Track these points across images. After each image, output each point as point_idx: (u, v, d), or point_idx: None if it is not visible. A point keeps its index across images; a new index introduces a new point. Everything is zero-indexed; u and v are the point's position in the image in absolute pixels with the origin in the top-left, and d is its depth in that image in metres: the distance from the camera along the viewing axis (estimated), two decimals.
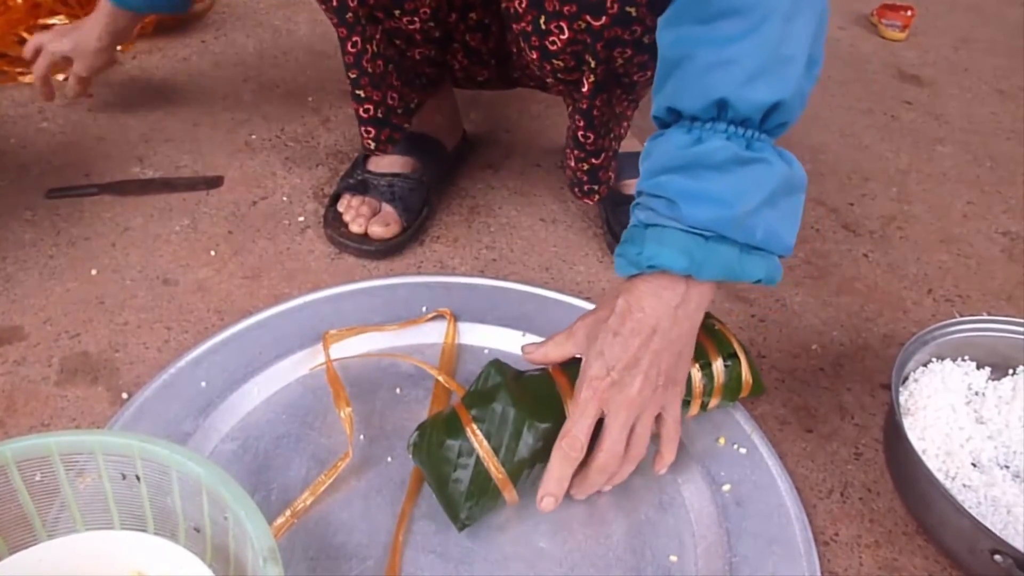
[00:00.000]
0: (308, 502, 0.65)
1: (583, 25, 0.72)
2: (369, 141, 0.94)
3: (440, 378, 0.75)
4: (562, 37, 0.74)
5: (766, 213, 0.59)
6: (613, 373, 0.62)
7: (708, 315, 0.76)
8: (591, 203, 0.96)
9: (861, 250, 1.02)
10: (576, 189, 0.94)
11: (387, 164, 0.97)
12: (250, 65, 1.30)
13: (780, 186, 0.60)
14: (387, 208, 0.94)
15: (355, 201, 0.95)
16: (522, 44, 0.79)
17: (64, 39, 1.04)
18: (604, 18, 0.70)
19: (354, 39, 0.84)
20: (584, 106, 0.80)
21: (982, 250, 1.04)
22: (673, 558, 0.64)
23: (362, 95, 0.89)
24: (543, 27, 0.74)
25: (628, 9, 0.70)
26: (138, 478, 0.56)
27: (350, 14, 0.82)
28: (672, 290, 0.62)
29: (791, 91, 0.58)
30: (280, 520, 0.64)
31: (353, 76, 0.87)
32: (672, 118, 0.61)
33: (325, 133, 1.15)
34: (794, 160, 0.61)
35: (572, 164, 0.90)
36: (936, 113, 1.35)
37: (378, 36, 0.86)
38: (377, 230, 0.92)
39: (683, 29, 0.60)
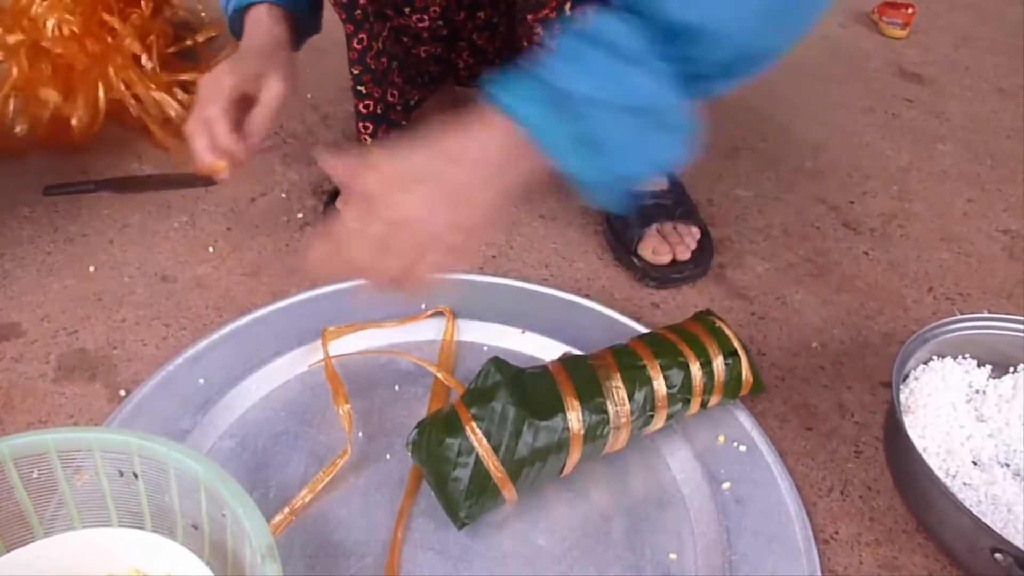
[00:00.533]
0: (307, 499, 0.65)
1: None
2: (366, 136, 0.93)
3: (439, 375, 0.75)
4: None
5: (625, 121, 0.55)
6: (396, 166, 0.55)
7: (708, 312, 0.76)
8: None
9: (861, 248, 1.02)
10: None
11: None
12: None
13: (650, 106, 0.55)
14: None
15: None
16: (537, 39, 0.77)
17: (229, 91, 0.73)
18: None
19: (360, 36, 0.83)
20: None
21: (983, 248, 1.03)
22: (672, 556, 0.64)
23: (363, 91, 0.88)
24: (568, 14, 0.72)
25: None
26: (136, 475, 0.55)
27: (359, 11, 0.81)
28: (507, 140, 0.55)
29: (711, 18, 0.53)
30: (279, 517, 0.64)
31: (356, 72, 0.86)
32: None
33: (324, 130, 1.14)
34: (685, 104, 0.56)
35: None
36: (937, 111, 1.34)
37: (385, 33, 0.86)
38: None
39: None
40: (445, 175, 0.55)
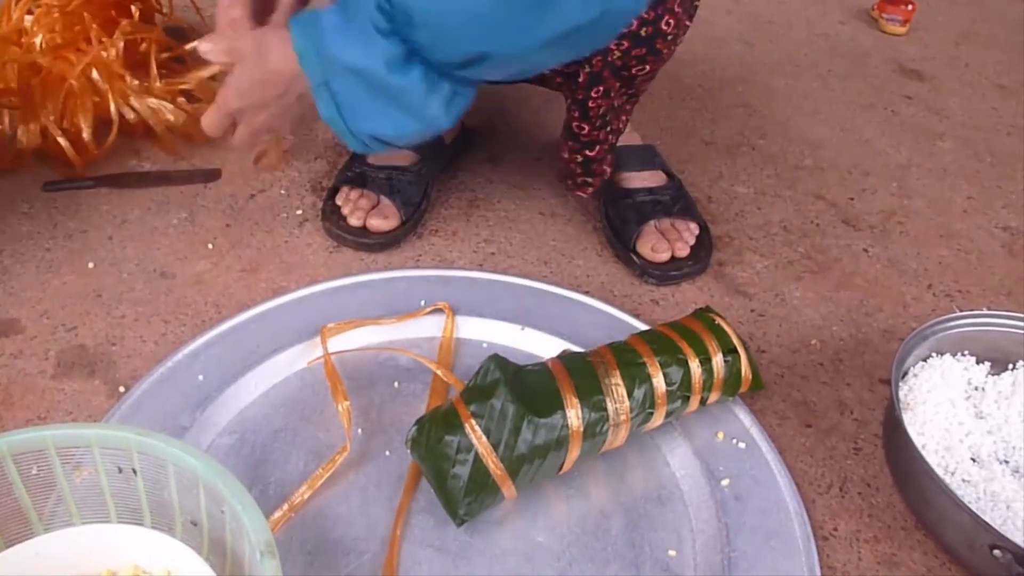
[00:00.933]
0: (306, 496, 0.65)
1: None
2: None
3: (438, 372, 0.75)
4: None
5: (352, 82, 0.62)
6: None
7: (708, 309, 0.76)
8: (584, 195, 0.96)
9: (861, 245, 1.02)
10: (569, 181, 0.94)
11: (385, 157, 0.97)
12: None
13: (371, 78, 0.61)
14: (385, 201, 0.94)
15: (353, 194, 0.94)
16: None
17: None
18: None
19: None
20: (580, 97, 0.80)
21: (982, 245, 1.04)
22: (672, 552, 0.64)
23: None
24: None
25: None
26: (135, 471, 0.55)
27: None
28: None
29: (427, 15, 0.57)
30: (278, 514, 0.64)
31: None
32: None
33: (323, 126, 1.14)
34: (411, 86, 0.62)
35: (566, 155, 0.90)
36: (936, 108, 1.34)
37: None
38: (375, 223, 0.92)
39: None
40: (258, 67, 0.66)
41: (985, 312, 0.79)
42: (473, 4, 0.56)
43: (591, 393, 0.65)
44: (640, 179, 0.98)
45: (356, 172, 0.96)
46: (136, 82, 1.04)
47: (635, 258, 0.92)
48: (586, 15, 0.56)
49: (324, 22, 0.62)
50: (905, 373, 0.77)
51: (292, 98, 0.67)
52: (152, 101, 1.04)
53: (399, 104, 0.63)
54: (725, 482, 0.68)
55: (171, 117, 1.04)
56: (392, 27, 0.59)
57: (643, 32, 0.71)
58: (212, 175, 1.03)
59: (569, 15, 0.56)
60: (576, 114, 0.82)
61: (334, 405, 0.71)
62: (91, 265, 0.88)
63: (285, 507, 0.64)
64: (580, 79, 0.78)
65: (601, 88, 0.79)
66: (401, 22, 0.58)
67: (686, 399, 0.69)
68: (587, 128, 0.84)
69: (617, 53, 0.74)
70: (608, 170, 0.93)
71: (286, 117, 0.71)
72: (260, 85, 0.67)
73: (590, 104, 0.80)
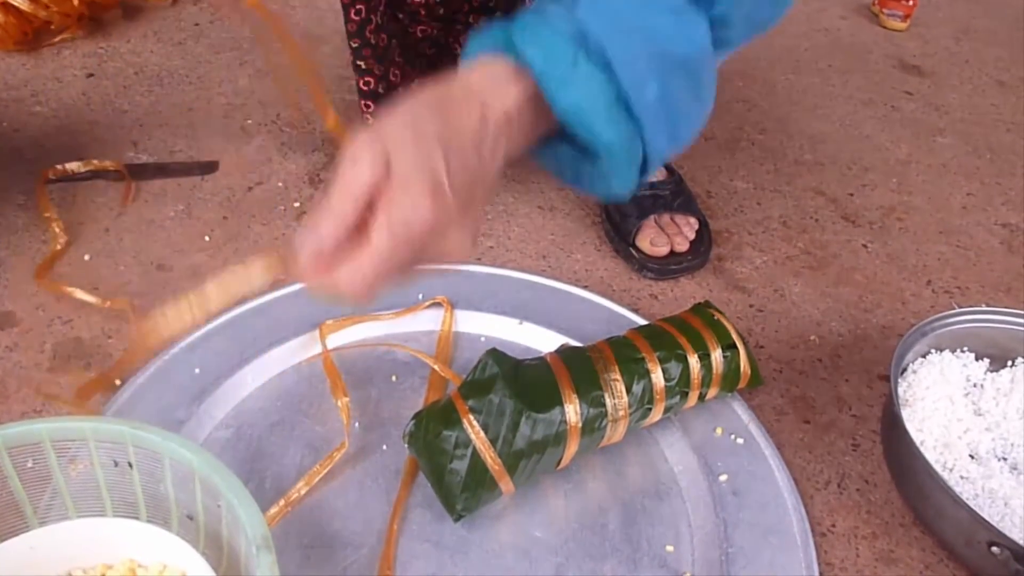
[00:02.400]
0: (303, 491, 0.65)
1: None
2: (368, 116, 0.92)
3: (436, 367, 0.75)
4: None
5: (667, 78, 0.46)
6: (443, 179, 0.42)
7: (707, 304, 0.76)
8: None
9: (860, 241, 1.02)
10: None
11: None
12: (246, 49, 1.28)
13: (695, 64, 0.48)
14: None
15: None
16: None
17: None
18: None
19: (358, 7, 0.82)
20: None
21: (981, 242, 1.03)
22: (669, 548, 0.64)
23: (363, 66, 0.87)
24: None
25: None
26: (130, 465, 0.55)
27: None
28: (510, 84, 0.45)
29: None
30: (274, 509, 0.63)
31: (355, 45, 0.85)
32: None
33: (321, 118, 1.14)
34: (714, 81, 0.51)
35: None
36: (937, 104, 1.34)
37: (382, 8, 0.84)
38: None
39: None
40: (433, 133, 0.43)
41: (984, 308, 0.79)
42: None
43: (590, 388, 0.64)
44: None
45: None
46: None
47: (634, 252, 0.92)
48: None
49: (595, 22, 0.44)
50: (904, 369, 0.77)
51: (494, 132, 0.45)
52: None
53: (708, 96, 0.50)
54: (723, 477, 0.68)
55: None
56: (704, 2, 0.48)
57: None
58: (209, 167, 1.02)
59: None
60: None
61: (332, 399, 0.71)
62: (87, 258, 0.88)
63: (282, 502, 0.64)
64: None
65: None
66: None
67: (684, 395, 0.69)
68: None
69: None
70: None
71: (489, 173, 0.46)
72: (453, 134, 0.43)
73: None
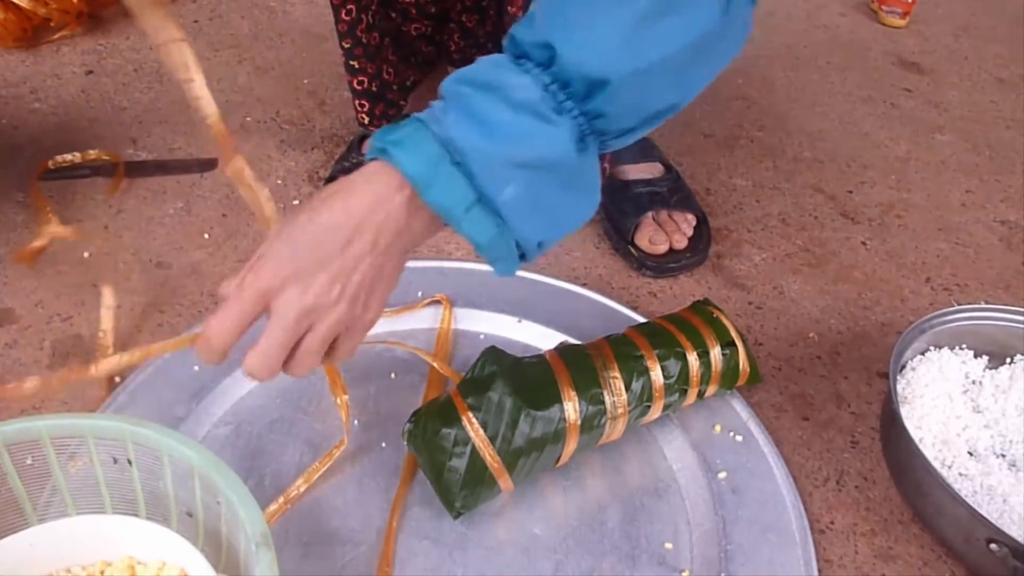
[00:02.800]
0: (302, 489, 0.65)
1: None
2: (363, 115, 0.92)
3: (435, 364, 0.75)
4: None
5: (526, 179, 0.51)
6: (291, 264, 0.50)
7: (706, 302, 0.76)
8: None
9: (859, 238, 1.02)
10: None
11: None
12: (245, 47, 1.28)
13: (555, 165, 0.51)
14: None
15: None
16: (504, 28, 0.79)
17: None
18: None
19: (348, 7, 0.82)
20: None
21: (980, 239, 1.03)
22: (668, 545, 0.64)
23: (356, 66, 0.87)
24: None
25: None
26: (130, 462, 0.55)
27: None
28: (393, 207, 0.51)
29: (620, 75, 0.50)
30: (273, 507, 0.63)
31: (347, 46, 0.85)
32: (512, 41, 0.53)
33: (321, 116, 1.14)
34: (593, 163, 0.54)
35: None
36: (936, 101, 1.34)
37: (374, 7, 0.84)
38: None
39: None
40: (319, 251, 0.51)
41: (983, 306, 0.79)
42: (652, 69, 0.51)
43: (589, 386, 0.64)
44: (637, 171, 0.97)
45: (354, 162, 0.96)
46: None
47: (633, 250, 0.92)
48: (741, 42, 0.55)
49: (460, 130, 0.49)
50: (903, 367, 0.77)
51: (374, 240, 0.52)
52: None
53: (581, 186, 0.54)
54: (722, 475, 0.68)
55: None
56: (568, 104, 0.51)
57: None
58: (208, 164, 1.02)
59: (734, 46, 0.55)
60: None
61: (331, 397, 0.71)
62: (86, 255, 0.88)
63: (281, 500, 0.64)
64: None
65: None
66: (580, 96, 0.51)
67: (684, 392, 0.69)
68: None
69: None
70: (607, 167, 0.92)
71: (376, 276, 0.53)
72: (318, 240, 0.50)
73: None
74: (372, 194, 0.51)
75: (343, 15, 0.83)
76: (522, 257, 0.54)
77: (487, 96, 0.50)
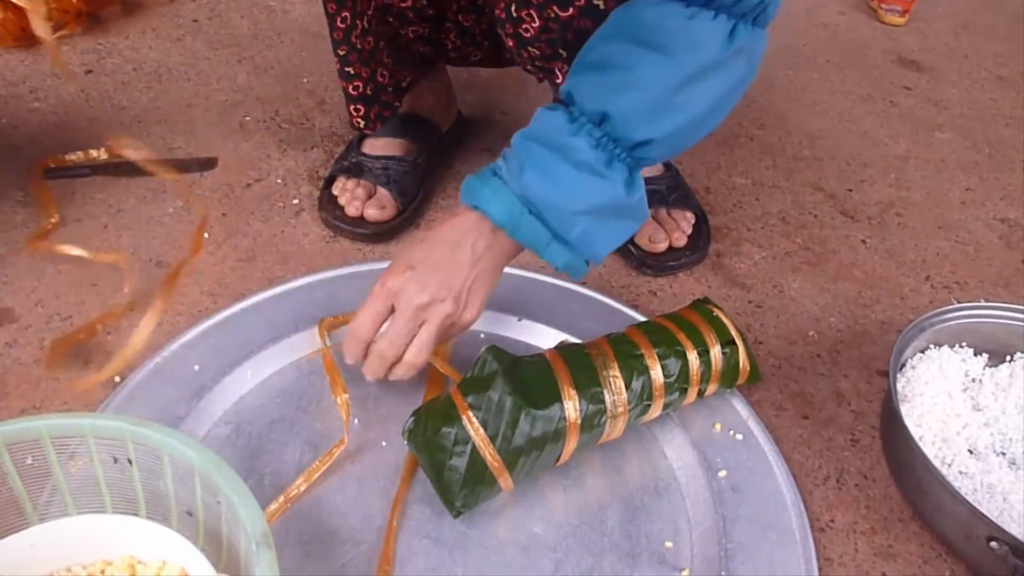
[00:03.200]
0: (302, 488, 0.65)
1: (552, 15, 0.71)
2: (358, 119, 0.92)
3: (435, 363, 0.75)
4: (534, 25, 0.74)
5: (589, 221, 0.66)
6: (410, 271, 0.66)
7: (706, 300, 0.76)
8: None
9: (859, 236, 1.02)
10: None
11: (382, 146, 0.96)
12: (244, 46, 1.28)
13: (611, 206, 0.66)
14: (382, 191, 0.93)
15: (350, 184, 0.94)
16: (500, 30, 0.79)
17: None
18: (571, 9, 0.71)
19: (343, 14, 0.82)
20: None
21: (980, 237, 1.03)
22: (668, 544, 0.64)
23: (351, 72, 0.87)
24: (515, 14, 0.74)
25: (596, 2, 0.70)
26: (130, 461, 0.55)
27: None
28: (487, 233, 0.67)
29: (664, 134, 0.64)
30: (274, 506, 0.63)
31: (342, 53, 0.85)
32: (568, 101, 0.66)
33: (320, 115, 1.14)
34: (639, 192, 0.67)
35: None
36: (935, 99, 1.34)
37: (370, 12, 0.84)
38: (372, 213, 0.91)
39: (618, 38, 0.65)
40: (431, 260, 0.67)
41: (983, 304, 0.79)
42: (694, 122, 0.65)
43: (589, 385, 0.64)
44: None
45: (353, 162, 0.96)
46: None
47: (632, 248, 0.92)
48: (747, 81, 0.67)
49: (534, 189, 0.64)
50: (903, 365, 0.77)
51: (479, 270, 0.68)
52: None
53: (631, 214, 0.68)
54: (722, 473, 0.68)
55: None
56: (616, 154, 0.65)
57: None
58: (208, 164, 1.02)
59: (753, 74, 0.67)
60: None
61: (331, 396, 0.71)
62: (86, 254, 0.88)
63: (281, 499, 0.64)
64: (559, 80, 0.78)
65: None
66: (628, 147, 0.64)
67: (684, 391, 0.69)
68: None
69: None
70: None
71: (478, 293, 0.69)
72: (439, 262, 0.67)
73: None
74: (470, 222, 0.67)
75: (338, 22, 0.83)
76: (588, 262, 0.69)
77: (554, 156, 0.64)
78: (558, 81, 0.78)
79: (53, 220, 0.90)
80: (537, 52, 0.77)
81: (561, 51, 0.75)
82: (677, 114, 0.64)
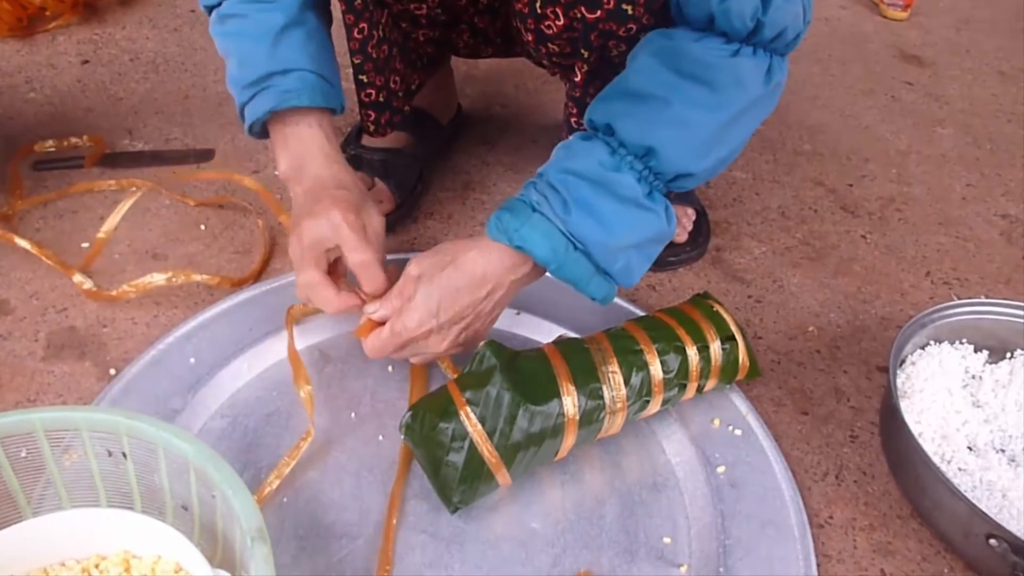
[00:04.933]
0: (274, 485, 0.64)
1: (578, 15, 0.70)
2: (370, 124, 0.92)
3: (440, 364, 0.74)
4: (558, 23, 0.73)
5: (631, 253, 0.66)
6: (435, 321, 0.65)
7: (707, 295, 0.75)
8: None
9: (859, 232, 1.01)
10: None
11: (381, 139, 0.96)
12: None
13: (653, 236, 0.67)
14: (380, 184, 0.93)
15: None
16: (519, 24, 0.78)
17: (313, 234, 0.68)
18: (599, 11, 0.70)
19: (361, 25, 0.82)
20: (577, 94, 0.79)
21: (981, 233, 1.03)
22: (666, 540, 0.64)
23: (365, 80, 0.87)
24: (539, 11, 0.73)
25: (625, 7, 0.69)
26: (125, 455, 0.55)
27: (359, 1, 0.80)
28: (521, 268, 0.67)
29: (705, 168, 0.66)
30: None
31: (357, 62, 0.85)
32: (606, 132, 0.65)
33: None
34: (673, 218, 0.68)
35: None
36: (937, 94, 1.33)
37: (384, 20, 0.84)
38: None
39: (660, 69, 0.65)
40: (457, 304, 0.66)
41: (983, 300, 0.79)
42: (730, 154, 0.68)
43: (588, 380, 0.64)
44: None
45: (351, 154, 0.95)
46: None
47: None
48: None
49: (581, 226, 0.63)
50: (902, 361, 0.77)
51: (499, 297, 0.68)
52: None
53: (664, 240, 0.69)
54: (721, 469, 0.68)
55: None
56: (656, 184, 0.65)
57: (641, 36, 0.70)
58: (205, 155, 1.02)
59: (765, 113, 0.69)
60: (574, 111, 0.82)
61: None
62: (84, 245, 0.87)
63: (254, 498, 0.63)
64: (577, 78, 0.77)
65: (598, 84, 0.78)
66: (668, 179, 0.66)
67: (683, 387, 0.69)
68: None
69: (614, 52, 0.73)
70: None
71: (491, 320, 0.70)
72: (460, 295, 0.66)
73: (587, 101, 0.79)
74: (501, 258, 0.66)
75: (355, 34, 0.82)
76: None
77: (598, 192, 0.64)
78: (576, 79, 0.77)
79: (17, 206, 0.90)
80: (557, 49, 0.77)
81: (583, 51, 0.74)
82: (720, 149, 0.66)
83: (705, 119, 0.64)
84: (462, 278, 0.65)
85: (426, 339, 0.66)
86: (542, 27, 0.75)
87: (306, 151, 0.72)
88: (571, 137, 0.68)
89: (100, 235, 0.82)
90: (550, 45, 0.76)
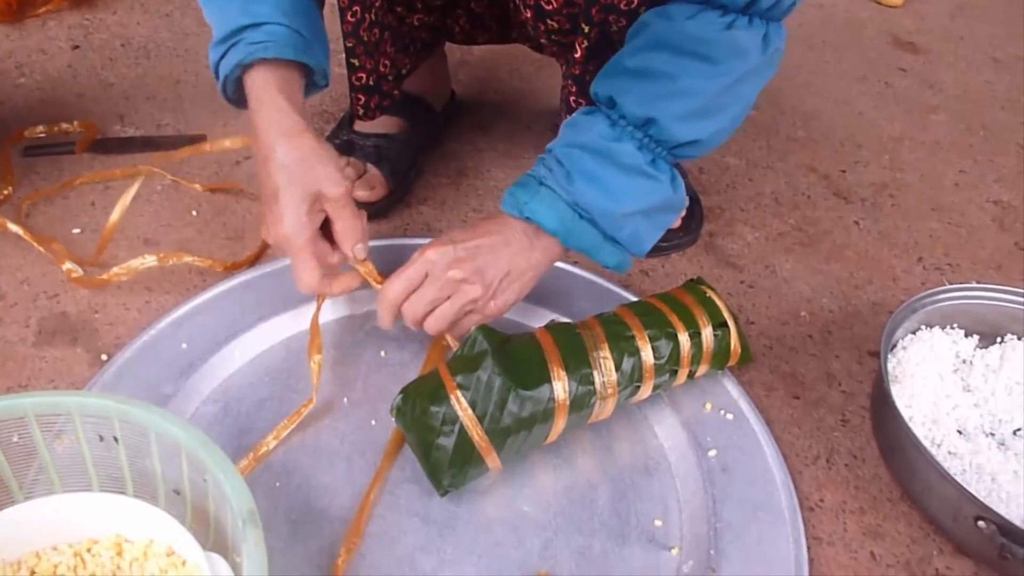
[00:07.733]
0: (271, 445, 0.65)
1: None
2: (359, 108, 0.92)
3: (448, 339, 0.73)
4: None
5: (638, 220, 0.68)
6: (452, 246, 0.67)
7: (699, 281, 0.76)
8: None
9: (852, 217, 1.01)
10: None
11: (373, 125, 0.95)
12: None
13: (659, 204, 0.69)
14: (373, 170, 0.93)
15: (340, 162, 0.93)
16: (518, 1, 0.78)
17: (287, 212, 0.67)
18: None
19: (354, 8, 0.81)
20: (577, 71, 0.79)
21: (973, 219, 1.03)
22: (658, 523, 0.64)
23: (356, 63, 0.86)
24: None
25: None
26: (116, 440, 0.55)
27: None
28: (533, 237, 0.69)
29: (710, 134, 0.67)
30: (244, 462, 0.64)
31: (349, 45, 0.84)
32: (608, 105, 0.67)
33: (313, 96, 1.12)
34: (681, 186, 0.70)
35: None
36: (931, 81, 1.33)
37: (377, 4, 0.84)
38: (362, 193, 0.90)
39: (659, 51, 0.65)
40: (475, 243, 0.68)
41: (975, 285, 0.79)
42: (733, 120, 0.69)
43: (579, 366, 0.64)
44: None
45: (343, 140, 0.95)
46: None
47: None
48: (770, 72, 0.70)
49: (585, 195, 0.66)
50: (894, 346, 0.77)
51: (534, 259, 0.70)
52: None
53: (674, 207, 0.71)
54: (712, 453, 0.68)
55: None
56: (660, 152, 0.67)
57: (641, 10, 0.70)
58: (197, 141, 1.01)
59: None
60: (573, 89, 0.81)
61: (320, 377, 0.70)
62: (76, 231, 0.87)
63: (251, 455, 0.64)
64: (577, 54, 0.77)
65: (598, 62, 0.78)
66: (671, 147, 0.67)
67: (674, 372, 0.69)
68: (584, 103, 0.83)
69: (614, 27, 0.73)
70: None
71: (532, 278, 0.72)
72: (498, 254, 0.68)
73: (587, 78, 0.79)
74: (517, 227, 0.69)
75: (349, 16, 0.82)
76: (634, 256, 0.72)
77: (601, 161, 0.66)
78: (576, 56, 0.77)
79: (6, 192, 0.90)
80: (556, 25, 0.77)
81: (584, 26, 0.74)
82: (721, 116, 0.67)
83: (704, 87, 0.65)
84: (483, 235, 0.68)
85: (445, 293, 0.68)
86: (541, 3, 0.74)
87: (260, 106, 0.69)
88: (575, 113, 0.69)
89: (111, 222, 0.82)
90: (549, 22, 0.76)
